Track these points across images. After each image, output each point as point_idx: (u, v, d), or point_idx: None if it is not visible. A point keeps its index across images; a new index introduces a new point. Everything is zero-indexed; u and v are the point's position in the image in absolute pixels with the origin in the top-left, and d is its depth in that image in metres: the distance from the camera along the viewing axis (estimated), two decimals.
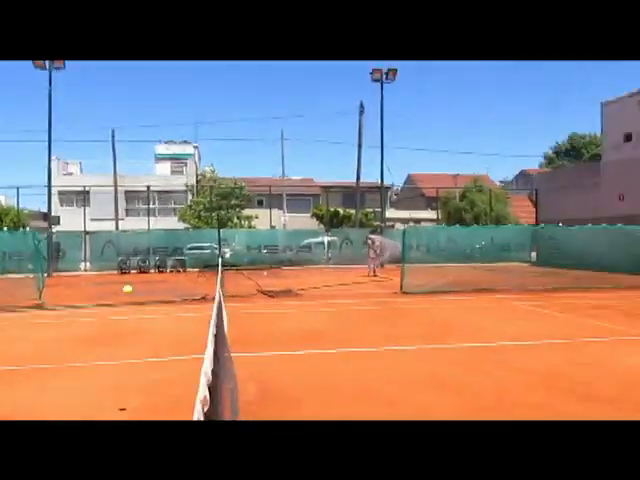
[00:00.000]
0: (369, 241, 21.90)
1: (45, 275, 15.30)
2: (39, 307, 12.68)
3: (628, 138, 30.26)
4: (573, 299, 13.03)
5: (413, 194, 51.80)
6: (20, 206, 31.82)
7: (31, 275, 17.81)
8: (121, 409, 5.00)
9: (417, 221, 42.80)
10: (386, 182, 33.24)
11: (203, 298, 13.14)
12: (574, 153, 58.15)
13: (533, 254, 25.14)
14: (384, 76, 28.99)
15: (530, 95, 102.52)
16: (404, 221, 40.86)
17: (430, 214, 42.33)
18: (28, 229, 34.10)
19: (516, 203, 42.24)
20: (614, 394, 5.41)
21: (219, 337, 3.37)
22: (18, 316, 11.63)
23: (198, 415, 1.78)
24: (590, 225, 21.46)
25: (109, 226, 31.46)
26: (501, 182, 56.74)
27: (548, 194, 32.85)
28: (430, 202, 43.73)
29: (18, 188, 29.53)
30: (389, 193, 44.99)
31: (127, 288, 3.83)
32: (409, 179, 57.45)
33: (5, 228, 27.67)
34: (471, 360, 6.94)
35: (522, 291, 14.51)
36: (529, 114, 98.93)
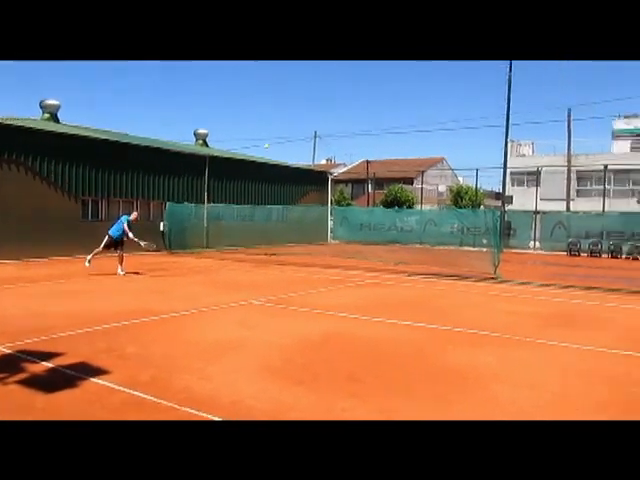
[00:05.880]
0: None
1: (498, 251, 16.15)
2: (493, 280, 13.55)
3: None
4: None
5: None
6: (478, 186, 34.71)
7: (485, 249, 19.18)
8: None
9: None
10: None
11: None
12: None
13: None
14: None
15: None
16: None
17: None
18: (482, 207, 36.92)
19: None
20: None
21: None
22: (475, 285, 12.72)
23: None
24: None
25: (559, 207, 30.86)
26: None
27: None
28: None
29: (477, 170, 32.38)
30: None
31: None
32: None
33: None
34: None
35: None
36: None
